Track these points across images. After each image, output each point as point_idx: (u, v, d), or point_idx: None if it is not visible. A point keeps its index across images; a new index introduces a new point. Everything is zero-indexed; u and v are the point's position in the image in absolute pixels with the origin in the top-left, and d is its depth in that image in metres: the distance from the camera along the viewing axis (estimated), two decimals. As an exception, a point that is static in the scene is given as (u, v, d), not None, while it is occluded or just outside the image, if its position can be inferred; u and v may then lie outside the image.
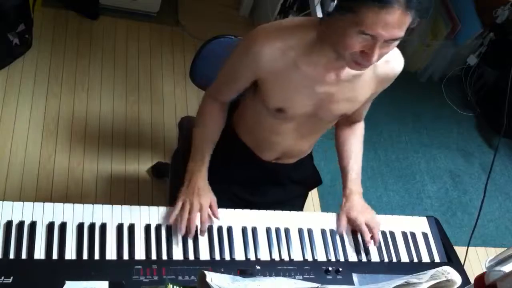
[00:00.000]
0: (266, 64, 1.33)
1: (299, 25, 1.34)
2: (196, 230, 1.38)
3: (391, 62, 1.41)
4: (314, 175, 1.84)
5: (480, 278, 1.18)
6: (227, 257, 1.37)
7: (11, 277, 1.17)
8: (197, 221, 1.38)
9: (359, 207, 1.53)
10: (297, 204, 1.80)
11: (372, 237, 1.50)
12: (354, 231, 1.52)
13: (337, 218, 1.53)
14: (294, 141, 1.57)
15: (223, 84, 1.50)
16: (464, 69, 3.45)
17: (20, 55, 2.62)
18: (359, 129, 1.66)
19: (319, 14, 2.39)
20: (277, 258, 1.40)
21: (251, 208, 1.49)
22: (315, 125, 1.52)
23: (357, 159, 1.61)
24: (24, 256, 1.23)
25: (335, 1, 1.18)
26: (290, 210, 1.53)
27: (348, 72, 1.35)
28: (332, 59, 1.32)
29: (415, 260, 1.52)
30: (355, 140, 1.64)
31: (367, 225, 1.50)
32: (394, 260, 1.50)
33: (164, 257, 1.32)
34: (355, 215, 1.51)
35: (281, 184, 1.71)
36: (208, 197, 1.43)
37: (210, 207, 1.42)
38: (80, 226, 1.30)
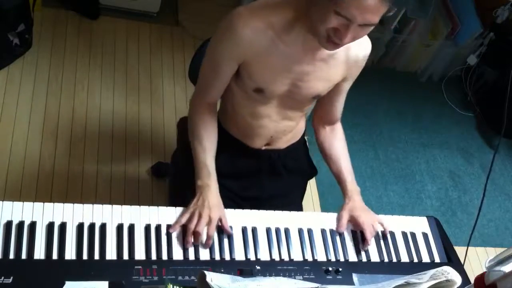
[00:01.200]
0: (247, 44, 1.34)
1: (277, 4, 1.35)
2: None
3: (363, 44, 1.46)
4: (309, 164, 1.84)
5: (480, 278, 1.18)
6: (227, 257, 1.37)
7: (11, 277, 1.17)
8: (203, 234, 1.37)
9: (362, 207, 1.55)
10: (295, 197, 1.80)
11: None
12: (354, 231, 1.53)
13: (337, 216, 1.53)
14: (277, 122, 1.58)
15: (209, 81, 1.49)
16: (464, 69, 3.45)
17: (20, 55, 2.62)
18: (339, 131, 1.69)
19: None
20: (277, 258, 1.40)
21: (249, 203, 1.49)
22: (292, 105, 1.53)
23: (347, 161, 1.64)
24: (24, 256, 1.23)
25: None
26: (289, 203, 1.54)
27: (324, 51, 1.37)
28: (309, 38, 1.33)
29: (415, 260, 1.52)
30: (339, 143, 1.67)
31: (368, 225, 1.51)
32: (394, 260, 1.50)
33: (164, 257, 1.32)
34: (358, 213, 1.52)
35: (276, 174, 1.72)
36: (218, 211, 1.41)
37: (220, 221, 1.41)
38: (80, 226, 1.30)
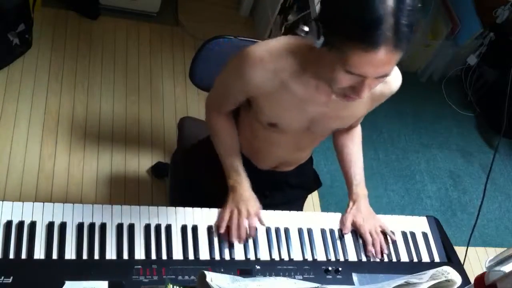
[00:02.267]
0: (256, 85, 1.32)
1: (290, 47, 1.31)
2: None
3: (388, 82, 1.38)
4: (313, 179, 1.84)
5: (480, 278, 1.18)
6: (227, 257, 1.37)
7: (11, 277, 1.17)
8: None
9: (366, 213, 1.53)
10: (296, 206, 1.80)
11: (376, 249, 1.50)
12: (354, 231, 1.53)
13: (341, 219, 1.53)
14: (291, 152, 1.57)
15: (221, 99, 1.49)
16: (464, 69, 3.45)
17: (20, 55, 2.62)
18: (357, 133, 1.66)
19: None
20: (277, 258, 1.40)
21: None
22: (310, 137, 1.52)
23: (358, 163, 1.62)
24: (24, 256, 1.23)
25: (321, 38, 1.13)
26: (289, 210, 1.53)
27: None
28: (322, 82, 1.29)
29: (415, 260, 1.52)
30: (354, 145, 1.64)
31: (371, 235, 1.50)
32: (394, 260, 1.50)
33: (164, 257, 1.32)
34: (361, 221, 1.51)
35: (279, 189, 1.72)
36: (255, 204, 1.45)
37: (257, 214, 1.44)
38: (80, 226, 1.30)
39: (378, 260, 1.49)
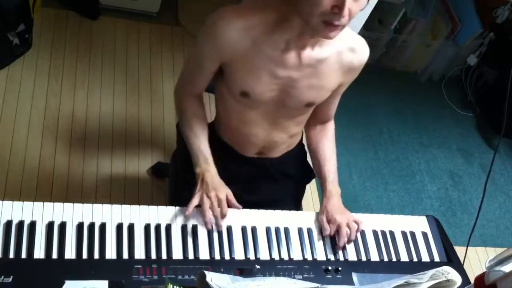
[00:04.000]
0: (228, 45, 1.33)
1: (260, 6, 1.33)
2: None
3: (357, 52, 1.42)
4: (308, 169, 1.82)
5: (480, 278, 1.18)
6: (227, 257, 1.37)
7: (11, 277, 1.17)
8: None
9: (339, 209, 1.53)
10: (292, 202, 1.79)
11: (349, 239, 1.49)
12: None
13: (317, 219, 1.52)
14: (268, 131, 1.56)
15: (192, 75, 1.49)
16: (464, 69, 3.45)
17: (20, 55, 2.62)
18: (330, 129, 1.67)
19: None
20: (276, 258, 1.40)
21: (244, 207, 1.49)
22: (284, 113, 1.51)
23: (332, 160, 1.62)
24: (24, 255, 1.23)
25: None
26: (285, 209, 1.53)
27: (310, 55, 1.35)
28: (294, 37, 1.31)
29: (415, 259, 1.52)
30: (327, 142, 1.64)
31: (348, 227, 1.49)
32: (394, 259, 1.50)
33: (164, 256, 1.32)
34: (335, 216, 1.50)
35: (270, 179, 1.71)
36: (223, 190, 1.44)
37: (227, 199, 1.43)
38: (80, 226, 1.30)
39: (378, 259, 1.49)
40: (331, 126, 1.67)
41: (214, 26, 1.33)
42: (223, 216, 1.41)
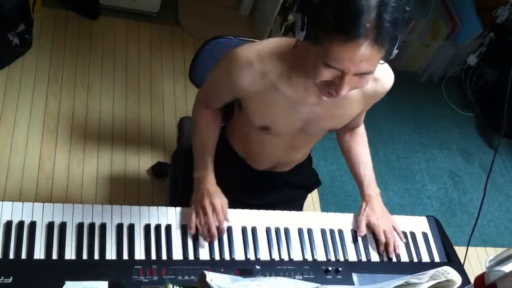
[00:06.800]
0: (244, 87, 1.32)
1: (277, 49, 1.30)
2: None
3: (380, 80, 1.38)
4: (312, 178, 1.83)
5: (480, 278, 1.18)
6: (227, 257, 1.37)
7: (11, 277, 1.17)
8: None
9: (379, 213, 1.53)
10: (296, 206, 1.79)
11: (389, 249, 1.49)
12: (355, 230, 1.53)
13: (354, 219, 1.54)
14: (285, 153, 1.57)
15: (210, 95, 1.50)
16: (464, 69, 3.45)
17: (20, 55, 2.62)
18: (360, 134, 1.66)
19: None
20: (277, 258, 1.40)
21: (245, 208, 1.49)
22: (303, 138, 1.51)
23: (366, 164, 1.62)
24: (24, 256, 1.23)
25: (304, 30, 1.13)
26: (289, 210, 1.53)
27: None
28: (310, 82, 1.28)
29: (415, 260, 1.52)
30: (359, 146, 1.64)
31: (385, 234, 1.50)
32: (394, 260, 1.50)
33: (164, 257, 1.32)
34: (375, 221, 1.51)
35: (278, 189, 1.71)
36: (219, 198, 1.42)
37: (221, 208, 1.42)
38: (80, 226, 1.30)
39: (378, 259, 1.49)
40: (361, 130, 1.66)
41: (231, 64, 1.31)
42: (220, 223, 1.39)
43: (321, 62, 1.12)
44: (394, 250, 1.49)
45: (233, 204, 1.61)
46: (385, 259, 1.49)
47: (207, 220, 1.38)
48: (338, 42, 1.06)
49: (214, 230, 1.38)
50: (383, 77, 1.38)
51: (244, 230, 1.43)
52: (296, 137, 1.48)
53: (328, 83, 1.17)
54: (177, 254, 1.33)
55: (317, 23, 1.10)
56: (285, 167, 1.66)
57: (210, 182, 1.45)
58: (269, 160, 1.59)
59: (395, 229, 1.53)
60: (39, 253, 1.24)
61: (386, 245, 1.49)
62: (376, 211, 1.53)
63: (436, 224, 1.62)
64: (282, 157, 1.59)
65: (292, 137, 1.48)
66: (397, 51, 1.13)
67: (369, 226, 1.52)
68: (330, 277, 1.39)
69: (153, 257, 1.31)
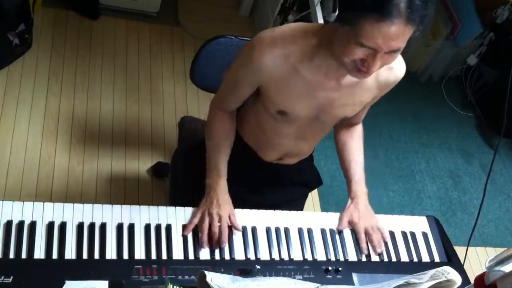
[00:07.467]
0: (267, 71, 1.33)
1: (301, 31, 1.33)
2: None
3: (394, 69, 1.41)
4: (314, 177, 1.84)
5: (480, 278, 1.18)
6: (227, 257, 1.37)
7: (11, 277, 1.17)
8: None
9: (363, 211, 1.53)
10: (297, 206, 1.80)
11: (373, 245, 1.49)
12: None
13: (339, 217, 1.53)
14: (296, 142, 1.57)
15: (227, 93, 1.50)
16: (464, 69, 3.45)
17: (20, 55, 2.62)
18: (358, 131, 1.67)
19: (319, 14, 2.38)
20: (277, 258, 1.40)
21: (248, 207, 1.49)
22: (317, 127, 1.52)
23: (358, 161, 1.62)
24: (24, 255, 1.23)
25: (336, 12, 1.16)
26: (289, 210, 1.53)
27: (349, 78, 1.35)
28: (333, 66, 1.31)
29: (415, 260, 1.52)
30: (354, 143, 1.65)
31: (366, 232, 1.50)
32: (394, 259, 1.50)
33: (164, 256, 1.32)
34: (356, 219, 1.51)
35: (281, 185, 1.71)
36: (227, 208, 1.42)
37: (230, 219, 1.42)
38: (80, 226, 1.30)
39: (378, 259, 1.49)
40: (359, 127, 1.67)
41: (251, 51, 1.33)
42: (222, 234, 1.38)
43: (353, 41, 1.15)
44: (377, 248, 1.49)
45: (234, 202, 1.61)
46: (364, 259, 1.48)
47: (212, 229, 1.38)
48: (372, 21, 1.10)
49: (213, 241, 1.37)
50: (397, 66, 1.41)
51: (244, 229, 1.43)
52: (308, 126, 1.49)
53: (360, 62, 1.20)
54: (177, 254, 1.33)
55: (350, 3, 1.13)
56: (292, 159, 1.66)
57: (221, 189, 1.45)
58: (279, 149, 1.59)
59: (378, 229, 1.52)
60: (39, 253, 1.24)
61: (370, 242, 1.49)
62: (360, 209, 1.53)
63: (436, 224, 1.62)
64: (292, 147, 1.59)
65: (305, 125, 1.49)
66: (420, 31, 1.17)
67: (351, 224, 1.52)
68: (330, 277, 1.39)
69: (153, 256, 1.31)
